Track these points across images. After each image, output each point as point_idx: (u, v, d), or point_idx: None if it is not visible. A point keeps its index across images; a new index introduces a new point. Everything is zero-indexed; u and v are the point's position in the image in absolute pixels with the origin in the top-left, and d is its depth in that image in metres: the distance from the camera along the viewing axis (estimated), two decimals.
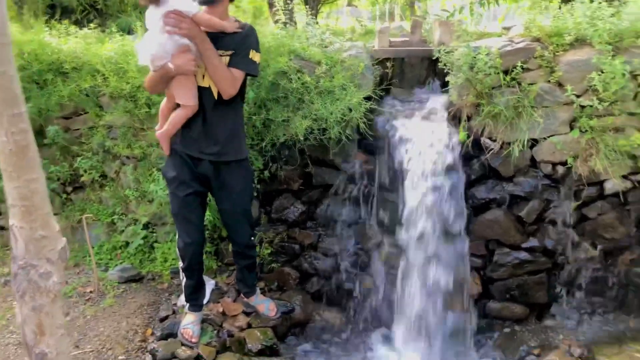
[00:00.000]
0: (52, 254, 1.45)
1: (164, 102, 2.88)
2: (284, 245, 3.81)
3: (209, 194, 3.05)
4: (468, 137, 3.36)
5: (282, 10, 4.25)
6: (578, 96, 3.16)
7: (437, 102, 3.58)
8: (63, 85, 3.97)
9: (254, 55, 2.74)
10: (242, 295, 3.42)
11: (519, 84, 3.25)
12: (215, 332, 3.18)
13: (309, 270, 3.80)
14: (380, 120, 3.54)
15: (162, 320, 3.33)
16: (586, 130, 3.17)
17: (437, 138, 3.31)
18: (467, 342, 3.43)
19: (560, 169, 3.31)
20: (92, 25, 4.67)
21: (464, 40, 3.47)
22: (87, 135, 4.11)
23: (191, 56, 2.60)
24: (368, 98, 3.47)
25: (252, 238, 3.18)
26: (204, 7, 2.65)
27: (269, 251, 3.78)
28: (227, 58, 2.70)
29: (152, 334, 3.25)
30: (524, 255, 3.45)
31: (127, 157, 4.02)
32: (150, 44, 2.60)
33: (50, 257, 1.44)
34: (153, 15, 2.56)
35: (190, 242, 2.93)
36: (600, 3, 3.28)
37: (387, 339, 3.62)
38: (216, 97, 2.74)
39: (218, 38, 2.65)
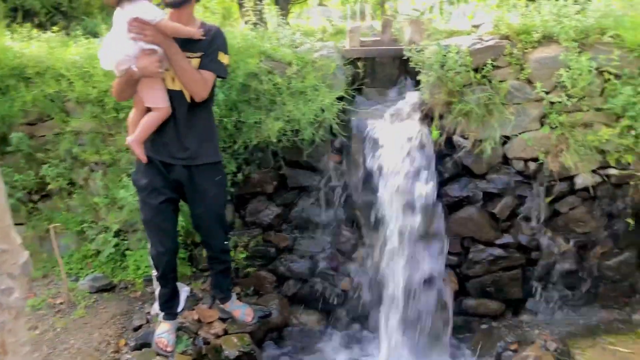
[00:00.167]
0: (14, 268, 1.38)
1: (133, 111, 2.81)
2: (259, 249, 3.76)
3: (181, 200, 2.99)
4: (441, 135, 3.37)
5: (252, 10, 4.20)
6: (547, 93, 3.20)
7: (409, 101, 3.59)
8: (26, 90, 3.85)
9: (223, 57, 2.71)
10: (217, 301, 3.36)
11: (490, 81, 3.28)
12: (191, 340, 3.13)
13: (286, 274, 3.76)
14: (353, 120, 3.53)
15: (136, 329, 3.26)
16: (556, 126, 3.21)
17: (410, 137, 3.31)
18: (446, 339, 3.43)
19: (532, 165, 3.34)
20: (55, 28, 4.55)
21: (434, 38, 3.48)
22: (53, 142, 4.00)
23: (156, 57, 2.54)
24: (340, 98, 3.46)
25: (227, 242, 3.14)
26: (168, 10, 2.60)
27: (244, 255, 3.73)
28: (197, 60, 2.66)
29: (126, 344, 3.18)
30: (498, 251, 3.48)
31: (96, 164, 3.92)
32: (115, 49, 2.53)
33: (11, 271, 1.37)
34: (119, 16, 2.50)
35: (164, 251, 2.88)
36: (566, 0, 3.33)
37: (367, 340, 3.61)
38: (189, 100, 2.70)
39: (185, 40, 2.61)
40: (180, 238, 3.42)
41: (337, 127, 3.41)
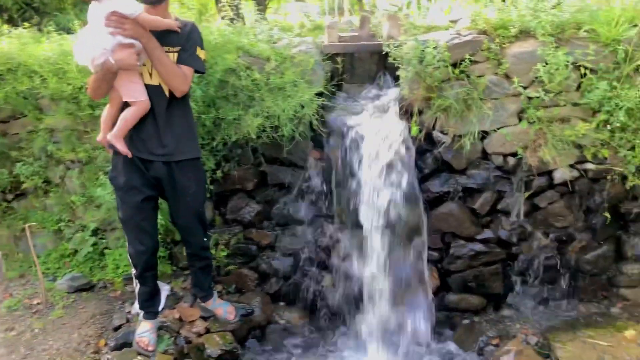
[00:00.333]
0: None
1: (107, 107, 2.76)
2: (240, 247, 3.74)
3: (159, 197, 2.95)
4: (420, 131, 3.37)
5: (229, 5, 4.16)
6: (525, 87, 3.21)
7: (389, 96, 3.58)
8: None
9: (200, 52, 2.71)
10: (199, 299, 3.33)
11: (468, 76, 3.28)
12: (172, 339, 3.09)
13: (268, 271, 3.74)
14: (333, 116, 3.51)
15: (116, 329, 3.22)
16: (534, 121, 3.23)
17: (390, 133, 3.31)
18: (428, 335, 3.45)
19: (511, 160, 3.36)
20: (26, 24, 4.45)
21: (412, 34, 3.48)
22: (27, 140, 3.92)
23: (133, 50, 2.51)
24: (320, 94, 3.45)
25: (206, 239, 3.11)
26: (145, 6, 2.56)
27: (225, 253, 3.70)
28: (175, 55, 2.65)
29: (106, 344, 3.13)
30: (479, 246, 3.50)
31: (72, 162, 3.86)
32: (91, 43, 2.48)
33: None
34: (96, 10, 2.45)
35: (143, 250, 2.85)
36: None
37: (350, 337, 3.61)
38: (168, 96, 2.67)
39: (162, 35, 2.60)
40: (159, 236, 3.38)
41: (317, 123, 3.39)
